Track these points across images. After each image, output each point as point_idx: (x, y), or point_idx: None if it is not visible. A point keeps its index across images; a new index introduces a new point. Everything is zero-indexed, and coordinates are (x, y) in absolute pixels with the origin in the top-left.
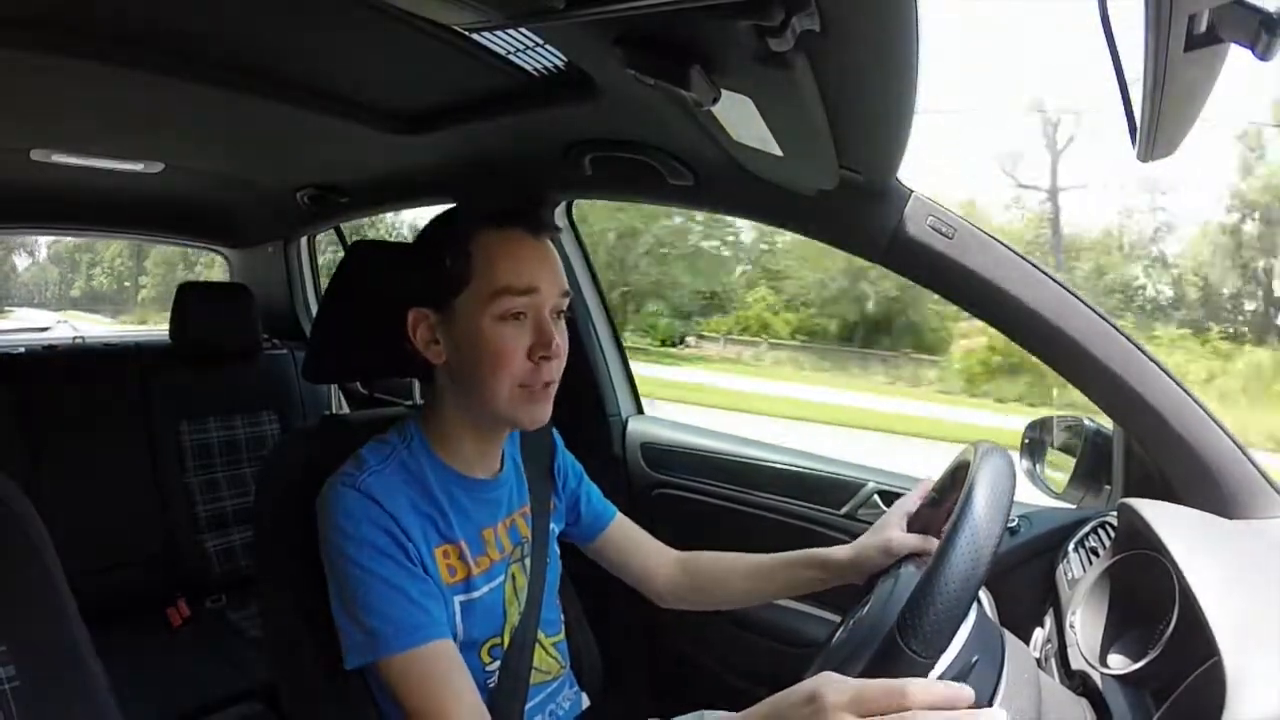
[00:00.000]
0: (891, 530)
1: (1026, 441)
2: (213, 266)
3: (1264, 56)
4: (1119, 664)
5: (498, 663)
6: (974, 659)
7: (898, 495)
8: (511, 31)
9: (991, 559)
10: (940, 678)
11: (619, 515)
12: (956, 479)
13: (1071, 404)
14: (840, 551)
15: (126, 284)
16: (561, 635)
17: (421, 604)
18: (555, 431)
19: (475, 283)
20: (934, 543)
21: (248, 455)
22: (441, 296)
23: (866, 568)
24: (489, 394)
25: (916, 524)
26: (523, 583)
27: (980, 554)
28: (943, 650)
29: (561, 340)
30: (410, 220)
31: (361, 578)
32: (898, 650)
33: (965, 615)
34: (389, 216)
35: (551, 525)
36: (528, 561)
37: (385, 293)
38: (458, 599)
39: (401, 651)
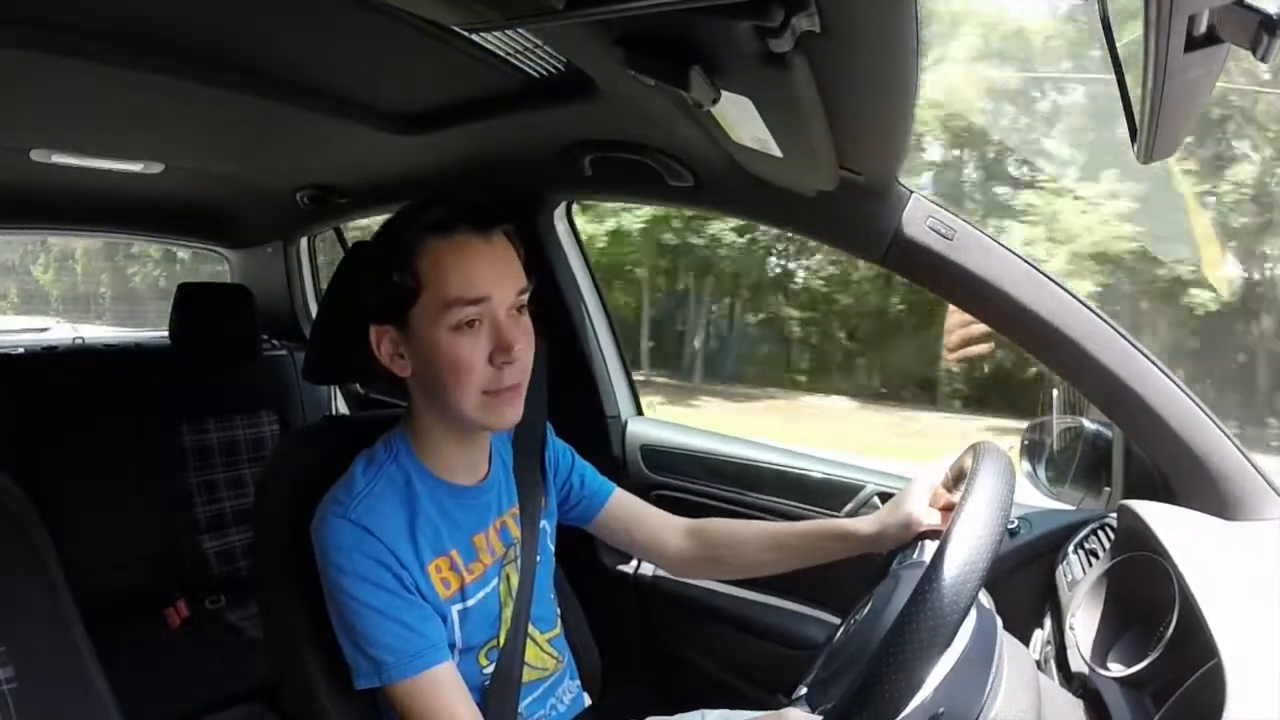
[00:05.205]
0: (913, 505)
1: (1026, 443)
2: None
3: (1263, 58)
4: (1119, 666)
5: (494, 665)
6: (940, 710)
7: None
8: (511, 32)
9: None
10: None
11: (618, 490)
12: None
13: None
14: (864, 525)
15: None
16: (557, 630)
17: (419, 630)
18: (547, 422)
19: (426, 295)
20: None
21: (247, 456)
22: (396, 312)
23: (888, 543)
24: (456, 404)
25: (938, 500)
26: (516, 583)
27: (918, 660)
28: None
29: (523, 336)
30: None
31: (359, 610)
32: None
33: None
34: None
35: (543, 523)
36: (520, 562)
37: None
38: (455, 609)
39: (403, 680)
